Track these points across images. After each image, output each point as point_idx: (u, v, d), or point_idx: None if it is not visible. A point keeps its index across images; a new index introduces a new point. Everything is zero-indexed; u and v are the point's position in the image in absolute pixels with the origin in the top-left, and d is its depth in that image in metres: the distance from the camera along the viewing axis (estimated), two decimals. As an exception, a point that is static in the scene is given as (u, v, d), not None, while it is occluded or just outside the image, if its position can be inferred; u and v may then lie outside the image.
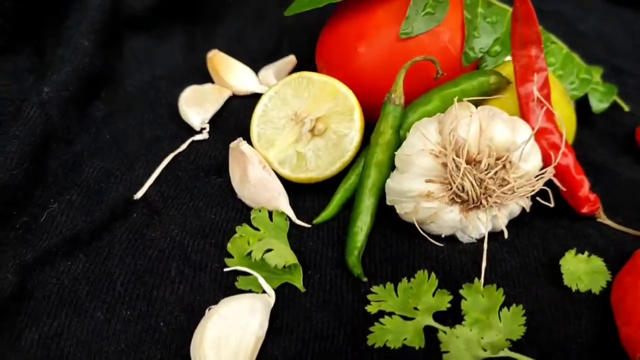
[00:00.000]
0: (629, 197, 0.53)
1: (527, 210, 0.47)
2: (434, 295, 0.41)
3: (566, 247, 0.46)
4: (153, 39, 0.61)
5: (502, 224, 0.46)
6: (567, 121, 0.52)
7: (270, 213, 0.48)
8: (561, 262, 0.45)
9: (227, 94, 0.58)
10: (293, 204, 0.50)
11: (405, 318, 0.40)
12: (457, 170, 0.44)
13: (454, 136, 0.44)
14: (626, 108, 0.64)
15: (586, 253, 0.46)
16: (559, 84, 0.53)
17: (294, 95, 0.51)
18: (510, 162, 0.45)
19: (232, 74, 0.58)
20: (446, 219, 0.46)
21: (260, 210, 0.48)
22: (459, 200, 0.45)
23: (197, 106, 0.55)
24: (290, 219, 0.48)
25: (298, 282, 0.44)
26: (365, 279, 0.44)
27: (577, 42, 0.72)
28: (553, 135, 0.48)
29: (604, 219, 0.50)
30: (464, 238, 0.47)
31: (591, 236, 0.49)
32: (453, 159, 0.44)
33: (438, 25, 0.51)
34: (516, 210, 0.47)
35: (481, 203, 0.45)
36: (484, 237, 0.46)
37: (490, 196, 0.45)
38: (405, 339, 0.39)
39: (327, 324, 0.42)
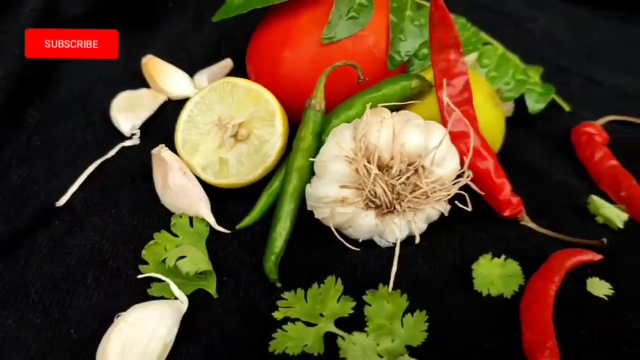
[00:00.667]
0: (557, 199, 0.53)
1: (446, 214, 0.48)
2: (338, 301, 0.41)
3: (484, 251, 0.46)
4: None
5: (414, 228, 0.46)
6: (493, 125, 0.52)
7: (191, 219, 0.48)
8: (473, 266, 0.45)
9: (161, 99, 0.59)
10: (218, 209, 0.50)
11: (309, 324, 0.41)
12: (368, 176, 0.44)
13: (365, 142, 0.44)
14: (567, 108, 0.64)
15: (503, 257, 0.46)
16: (487, 87, 0.53)
17: (219, 101, 0.51)
18: (422, 167, 0.45)
19: (167, 79, 0.59)
20: (362, 223, 0.46)
21: (181, 216, 0.48)
22: (373, 206, 0.46)
23: (129, 112, 0.56)
24: (210, 225, 0.49)
25: (211, 289, 0.44)
26: (279, 285, 0.45)
27: (525, 41, 0.73)
28: (469, 140, 0.48)
29: (527, 221, 0.50)
30: (382, 242, 0.48)
31: (511, 239, 0.49)
32: (364, 165, 0.44)
33: (362, 29, 0.51)
34: (434, 215, 0.48)
35: (395, 208, 0.46)
36: (402, 241, 0.47)
37: (403, 201, 0.45)
38: (305, 346, 0.39)
39: (237, 330, 0.42)
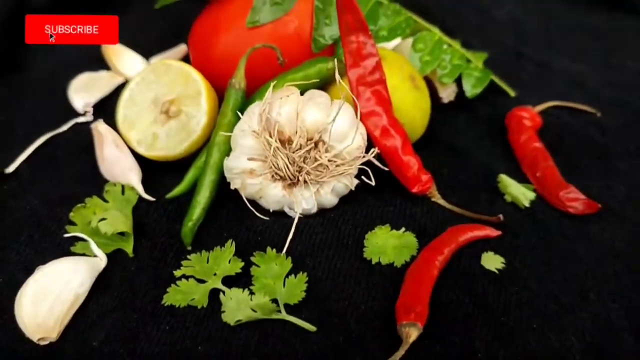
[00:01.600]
0: (473, 178, 0.55)
1: (352, 188, 0.50)
2: (229, 262, 0.45)
3: (386, 223, 0.49)
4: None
5: (320, 200, 0.49)
6: (411, 106, 0.54)
7: (123, 187, 0.53)
8: (367, 235, 0.48)
9: (119, 81, 0.64)
10: (152, 180, 0.55)
11: (200, 281, 0.45)
12: (269, 149, 0.47)
13: (266, 118, 0.47)
14: (512, 93, 0.65)
15: (403, 229, 0.48)
16: (407, 70, 0.55)
17: (155, 81, 0.56)
18: (322, 142, 0.48)
19: (124, 63, 0.64)
20: (271, 194, 0.50)
21: (115, 185, 0.53)
22: (279, 178, 0.49)
23: (84, 91, 0.61)
24: (140, 194, 0.53)
25: (128, 249, 0.49)
26: (189, 248, 0.49)
27: (487, 28, 0.74)
28: (380, 118, 0.51)
29: (437, 198, 0.52)
30: (291, 213, 0.51)
31: (418, 214, 0.51)
32: (266, 139, 0.47)
33: (285, 14, 0.54)
34: (342, 189, 0.50)
35: (298, 180, 0.49)
36: (313, 213, 0.50)
37: (305, 174, 0.48)
38: (192, 299, 0.43)
39: (144, 286, 0.46)
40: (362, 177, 0.49)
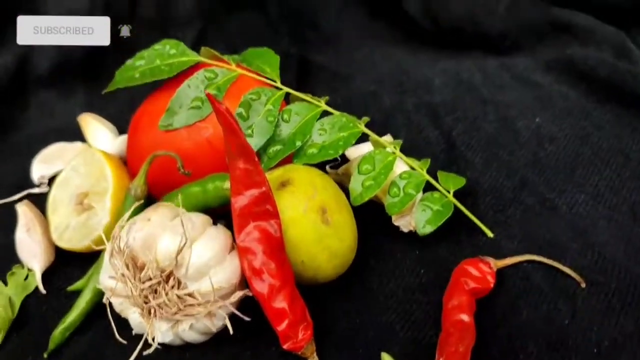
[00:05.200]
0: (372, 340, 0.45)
1: (214, 330, 0.45)
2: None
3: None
4: (57, 94, 0.70)
5: (188, 336, 0.45)
6: (314, 244, 0.47)
7: (28, 274, 0.53)
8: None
9: (87, 154, 0.65)
10: (63, 268, 0.54)
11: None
12: (117, 274, 0.44)
13: (118, 240, 0.44)
14: (489, 234, 0.53)
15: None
16: (320, 200, 0.47)
17: (81, 168, 0.55)
18: (173, 276, 0.43)
19: (94, 135, 0.64)
20: (131, 317, 0.46)
21: (23, 268, 0.54)
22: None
23: (45, 162, 0.63)
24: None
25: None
26: (45, 356, 0.47)
27: (494, 145, 0.62)
28: (255, 257, 0.44)
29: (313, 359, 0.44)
30: (153, 343, 0.46)
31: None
32: (115, 263, 0.44)
33: (200, 119, 0.50)
34: (204, 328, 0.45)
35: (150, 312, 0.44)
36: (172, 345, 0.46)
37: (155, 307, 0.44)
38: None
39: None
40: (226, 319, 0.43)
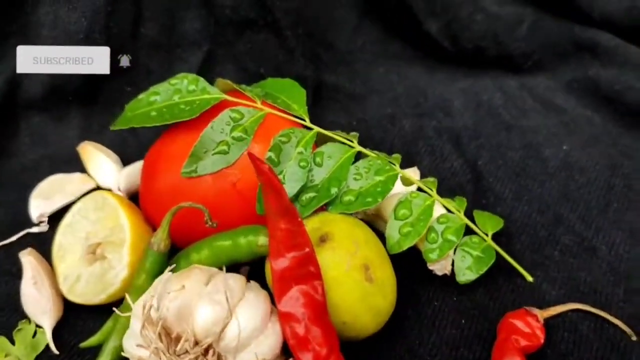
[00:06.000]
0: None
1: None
2: None
3: None
4: (51, 119, 0.64)
5: None
6: (358, 303, 0.44)
7: (36, 330, 0.49)
8: None
9: (89, 186, 0.59)
10: (72, 321, 0.50)
11: None
12: (151, 347, 0.40)
13: (149, 311, 0.40)
14: (529, 278, 0.51)
15: None
16: (362, 256, 0.44)
17: (91, 214, 0.50)
18: (213, 350, 0.40)
19: (95, 167, 0.59)
20: (160, 389, 0.42)
21: (30, 323, 0.49)
22: (166, 376, 0.41)
23: (44, 198, 0.57)
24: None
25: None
26: None
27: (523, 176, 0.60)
28: (299, 325, 0.41)
29: None
30: (184, 413, 0.43)
31: None
32: (146, 334, 0.40)
33: (228, 166, 0.46)
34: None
35: (186, 385, 0.41)
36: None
37: (191, 381, 0.40)
38: None
39: None
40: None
